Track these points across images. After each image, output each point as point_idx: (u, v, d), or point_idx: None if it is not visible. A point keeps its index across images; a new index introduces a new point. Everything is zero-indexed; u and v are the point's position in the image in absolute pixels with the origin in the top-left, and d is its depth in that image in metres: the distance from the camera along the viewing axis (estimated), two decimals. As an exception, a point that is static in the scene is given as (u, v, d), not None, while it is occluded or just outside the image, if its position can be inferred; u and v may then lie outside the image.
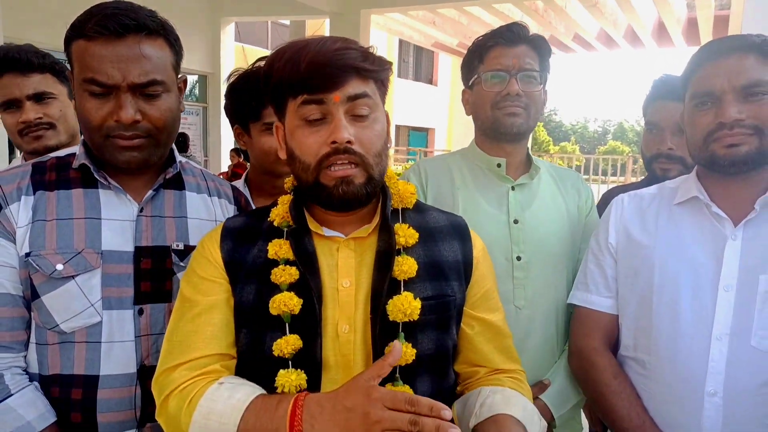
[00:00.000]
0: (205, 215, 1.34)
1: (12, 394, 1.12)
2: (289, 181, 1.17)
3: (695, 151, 1.25)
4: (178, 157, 1.34)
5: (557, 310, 1.53)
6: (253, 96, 1.62)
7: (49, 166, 1.23)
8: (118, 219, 1.22)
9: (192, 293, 1.08)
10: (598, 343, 1.33)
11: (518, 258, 1.50)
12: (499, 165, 1.55)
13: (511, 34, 1.49)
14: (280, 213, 1.11)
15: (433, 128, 21.32)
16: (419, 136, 21.15)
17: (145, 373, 1.19)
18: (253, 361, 1.05)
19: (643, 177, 2.02)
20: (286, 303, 1.01)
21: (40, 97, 1.67)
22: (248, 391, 0.97)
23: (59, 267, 1.15)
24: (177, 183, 1.32)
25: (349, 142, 0.99)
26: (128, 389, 1.19)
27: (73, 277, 1.16)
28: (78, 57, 1.14)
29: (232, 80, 1.68)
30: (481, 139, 1.61)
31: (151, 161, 1.23)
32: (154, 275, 1.23)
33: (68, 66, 1.21)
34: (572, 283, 1.45)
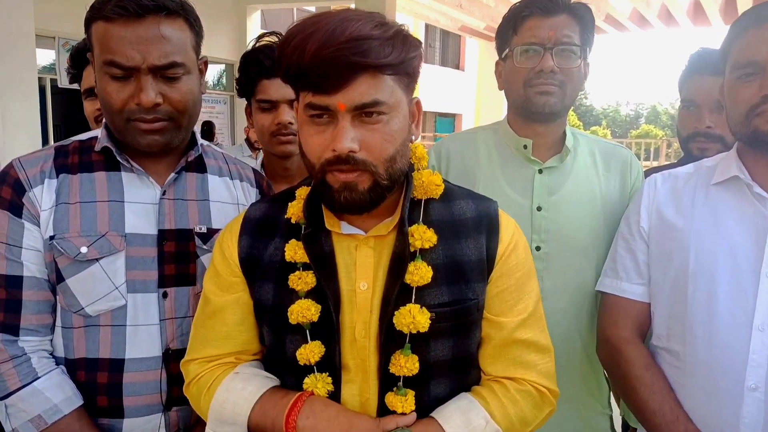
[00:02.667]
0: (227, 198, 1.33)
1: (39, 377, 1.13)
2: None
3: (736, 126, 1.16)
4: (200, 140, 1.33)
5: (582, 300, 1.45)
6: (248, 72, 1.60)
7: (71, 150, 1.23)
8: (140, 202, 1.22)
9: (209, 289, 1.10)
10: (628, 332, 1.26)
11: (537, 248, 1.42)
12: (525, 146, 1.46)
13: (548, 2, 1.36)
14: (296, 211, 1.05)
15: (460, 114, 21.08)
16: (446, 122, 20.93)
17: (170, 356, 1.20)
18: (278, 361, 1.06)
19: (677, 160, 1.92)
20: (304, 314, 0.99)
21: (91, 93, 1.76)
22: (260, 383, 1.02)
23: (83, 250, 1.15)
24: (199, 166, 1.32)
25: (352, 151, 0.91)
26: (154, 373, 1.19)
27: (97, 259, 1.16)
28: (98, 38, 1.14)
29: None
30: (513, 117, 1.51)
31: (172, 144, 1.22)
32: (177, 258, 1.23)
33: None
34: None
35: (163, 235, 1.21)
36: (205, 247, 1.25)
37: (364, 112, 0.91)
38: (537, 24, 1.37)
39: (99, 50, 1.14)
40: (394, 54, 0.90)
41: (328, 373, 1.00)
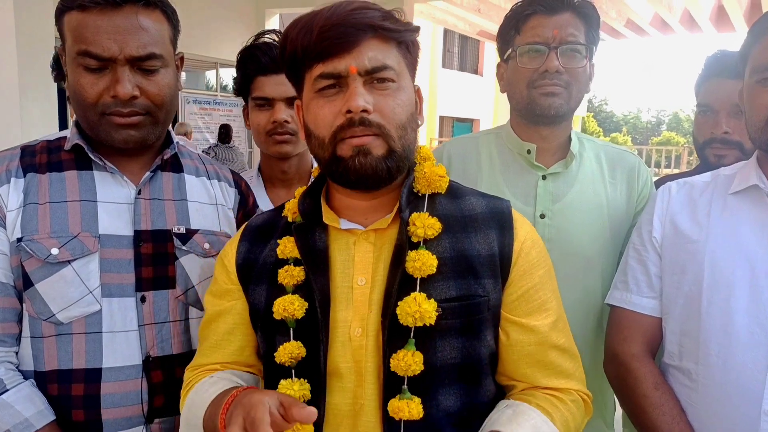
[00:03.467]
0: (205, 198, 1.29)
1: (8, 389, 1.06)
2: (316, 170, 1.06)
3: (755, 133, 1.09)
4: (176, 139, 1.28)
5: (588, 314, 1.38)
6: (245, 69, 1.56)
7: (38, 149, 1.18)
8: (115, 202, 1.16)
9: (207, 298, 1.09)
10: (637, 348, 1.19)
11: None
12: (529, 151, 1.40)
13: (552, 0, 1.31)
14: (292, 207, 1.02)
15: (478, 119, 20.98)
16: (464, 127, 20.84)
17: (150, 364, 1.15)
18: (270, 369, 1.00)
19: (694, 168, 1.84)
20: (287, 307, 0.94)
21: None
22: (224, 385, 0.96)
23: (54, 251, 1.08)
24: (175, 165, 1.27)
25: (365, 111, 0.88)
26: (134, 382, 1.13)
27: (69, 262, 1.09)
28: (71, 29, 1.09)
29: None
30: (516, 120, 1.45)
31: (148, 141, 1.17)
32: (155, 260, 1.17)
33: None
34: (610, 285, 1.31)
35: (139, 236, 1.16)
36: (184, 248, 1.20)
37: (375, 78, 0.90)
38: (541, 23, 1.32)
39: (72, 41, 1.08)
40: (397, 25, 0.93)
41: (311, 378, 0.93)
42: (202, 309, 1.20)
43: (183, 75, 1.25)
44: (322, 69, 0.90)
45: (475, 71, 20.83)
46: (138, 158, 1.20)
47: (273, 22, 10.14)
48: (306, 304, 0.94)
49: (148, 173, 1.20)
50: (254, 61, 1.53)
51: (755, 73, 1.08)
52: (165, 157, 1.23)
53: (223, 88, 11.36)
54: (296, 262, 0.97)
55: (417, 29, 0.96)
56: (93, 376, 1.10)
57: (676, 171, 14.41)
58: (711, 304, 1.08)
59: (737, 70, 1.18)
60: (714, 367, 1.07)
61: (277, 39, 1.54)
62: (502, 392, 1.03)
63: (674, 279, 1.16)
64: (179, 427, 1.01)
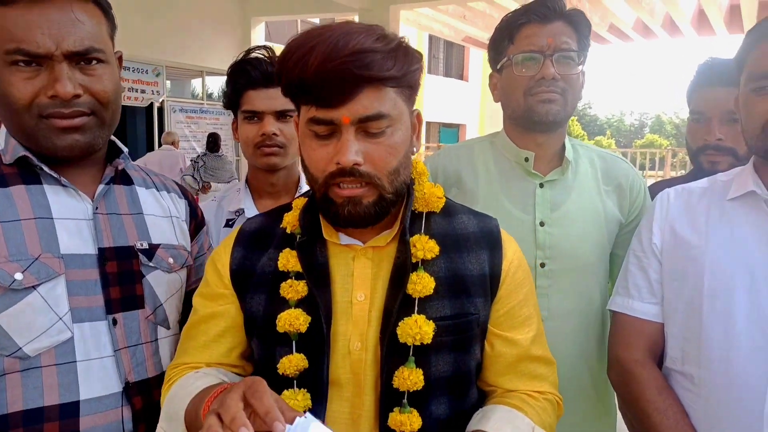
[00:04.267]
0: (159, 211, 1.22)
1: None
2: None
3: (752, 140, 1.11)
4: (124, 148, 1.19)
5: (588, 322, 1.39)
6: (235, 83, 1.57)
7: None
8: (72, 218, 1.06)
9: (197, 301, 1.08)
10: (640, 354, 1.20)
11: (542, 265, 1.37)
12: (526, 159, 1.41)
13: (545, 9, 1.33)
14: (291, 220, 1.03)
15: (464, 124, 21.07)
16: (450, 132, 20.91)
17: (131, 390, 1.07)
18: (265, 375, 0.98)
19: (683, 171, 1.87)
20: (292, 322, 0.95)
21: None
22: (211, 380, 0.95)
23: (18, 276, 0.96)
24: (124, 178, 1.19)
25: (356, 164, 0.89)
26: (114, 412, 1.05)
27: (34, 287, 0.98)
28: None
29: None
30: (511, 128, 1.46)
31: (96, 146, 1.07)
32: (122, 279, 1.09)
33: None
34: (610, 292, 1.32)
35: (103, 255, 1.07)
36: (150, 264, 1.13)
37: (368, 125, 0.90)
38: (535, 32, 1.33)
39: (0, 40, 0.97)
40: (397, 67, 0.89)
41: (307, 389, 0.95)
42: (169, 328, 1.18)
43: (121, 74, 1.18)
44: (315, 114, 0.90)
45: (461, 77, 20.93)
46: (86, 169, 1.10)
47: (259, 30, 10.11)
48: (309, 318, 0.96)
49: (102, 186, 1.11)
50: (244, 75, 1.54)
51: (751, 81, 1.10)
52: (119, 168, 1.15)
53: (210, 96, 11.32)
54: (297, 276, 0.98)
55: (419, 63, 0.94)
56: (70, 410, 1.00)
57: (660, 173, 14.57)
58: (712, 309, 1.10)
59: (729, 77, 1.20)
60: (716, 371, 1.08)
61: (267, 54, 1.55)
62: (484, 397, 1.08)
63: (675, 285, 1.18)
64: (158, 423, 0.97)
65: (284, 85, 0.93)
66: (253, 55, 1.56)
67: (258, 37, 10.09)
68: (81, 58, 1.01)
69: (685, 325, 1.15)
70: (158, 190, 1.25)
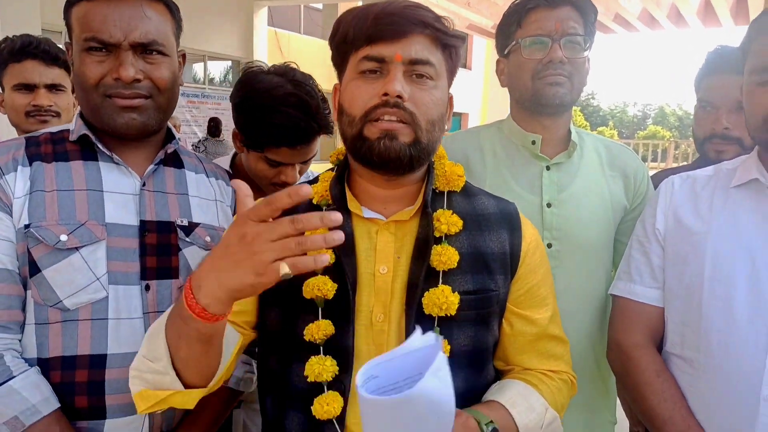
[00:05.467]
0: (206, 195, 1.32)
1: (14, 376, 1.07)
2: (334, 155, 1.10)
3: (755, 131, 1.12)
4: (177, 135, 1.32)
5: (594, 302, 1.42)
6: (255, 125, 1.45)
7: (42, 140, 1.20)
8: (120, 192, 1.19)
9: None
10: (640, 337, 1.22)
11: (549, 245, 1.39)
12: (533, 142, 1.43)
13: None
14: (319, 191, 1.05)
15: (467, 113, 21.03)
16: (453, 121, 20.65)
17: None
18: (285, 341, 1.02)
19: (686, 163, 1.88)
20: (320, 288, 0.97)
21: (54, 87, 1.85)
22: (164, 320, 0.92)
23: (63, 237, 1.10)
24: (176, 161, 1.30)
25: (400, 97, 0.92)
26: None
27: (77, 248, 1.11)
28: (78, 19, 1.13)
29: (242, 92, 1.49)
30: (518, 112, 1.48)
31: (150, 126, 1.19)
32: (159, 251, 1.19)
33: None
34: (613, 278, 1.34)
35: (144, 227, 1.18)
36: (187, 239, 1.23)
37: (416, 71, 0.94)
38: (543, 16, 1.36)
39: (79, 30, 1.12)
40: (446, 28, 0.97)
41: (337, 357, 0.97)
42: None
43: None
44: (368, 51, 0.94)
45: (464, 65, 20.86)
46: (141, 150, 1.23)
47: (262, 15, 10.09)
48: (336, 285, 0.97)
49: (152, 166, 1.23)
50: (278, 133, 1.44)
51: (753, 74, 1.10)
52: (168, 151, 1.26)
53: (211, 81, 11.28)
54: None
55: (464, 38, 1.00)
56: (98, 362, 1.12)
57: (662, 165, 14.56)
58: (712, 294, 1.11)
59: (738, 65, 1.20)
60: (715, 355, 1.10)
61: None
62: (499, 375, 1.11)
63: (676, 270, 1.19)
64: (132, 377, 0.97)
65: (338, 40, 0.99)
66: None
67: (261, 23, 10.07)
68: (144, 48, 1.14)
69: (685, 309, 1.16)
70: (207, 176, 1.35)
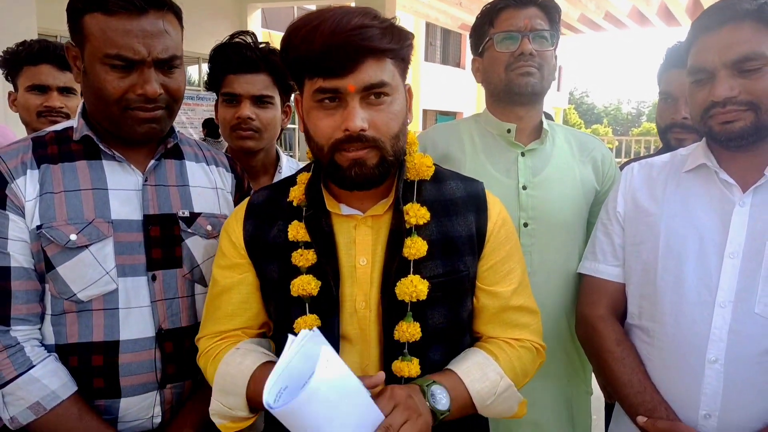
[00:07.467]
0: (206, 183, 1.38)
1: (34, 365, 1.16)
2: (309, 152, 1.18)
3: (696, 123, 1.24)
4: (177, 128, 1.38)
5: (568, 278, 1.53)
6: (215, 67, 1.65)
7: (48, 140, 1.25)
8: (124, 189, 1.25)
9: (216, 272, 1.20)
10: (603, 311, 1.33)
11: (525, 224, 1.50)
12: (509, 130, 1.56)
13: None
14: (298, 194, 1.13)
15: (461, 112, 21.10)
16: (447, 120, 20.94)
17: (163, 336, 1.26)
18: (282, 334, 1.12)
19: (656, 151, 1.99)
20: (305, 287, 1.08)
21: (67, 91, 1.97)
22: (255, 358, 1.09)
23: (73, 237, 1.18)
24: (176, 153, 1.36)
25: (362, 130, 0.98)
26: (148, 353, 1.24)
27: (86, 246, 1.19)
28: (96, 30, 1.15)
29: None
30: (493, 105, 1.61)
31: (164, 132, 1.28)
32: (163, 242, 1.27)
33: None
34: None
35: (148, 221, 1.25)
36: (189, 230, 1.30)
37: (372, 93, 0.99)
38: (513, 15, 1.50)
39: (99, 44, 1.15)
40: (394, 40, 1.00)
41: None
42: (205, 285, 1.31)
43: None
44: (322, 84, 0.99)
45: (458, 64, 20.95)
46: (143, 147, 1.29)
47: (255, 17, 10.15)
48: (320, 282, 1.08)
49: (153, 161, 1.29)
50: (225, 60, 1.62)
51: (690, 74, 1.22)
52: (168, 146, 1.32)
53: (206, 83, 11.30)
54: (306, 245, 1.10)
55: (411, 40, 1.05)
56: (111, 348, 1.21)
57: (654, 161, 14.58)
58: (665, 269, 1.22)
59: None
60: (667, 324, 1.21)
61: (249, 40, 1.64)
62: (475, 342, 1.20)
63: (634, 248, 1.31)
64: (212, 393, 1.11)
65: (290, 63, 1.02)
66: (236, 40, 1.65)
67: (254, 24, 10.13)
68: (165, 64, 1.20)
69: (642, 284, 1.28)
70: (208, 164, 1.41)
